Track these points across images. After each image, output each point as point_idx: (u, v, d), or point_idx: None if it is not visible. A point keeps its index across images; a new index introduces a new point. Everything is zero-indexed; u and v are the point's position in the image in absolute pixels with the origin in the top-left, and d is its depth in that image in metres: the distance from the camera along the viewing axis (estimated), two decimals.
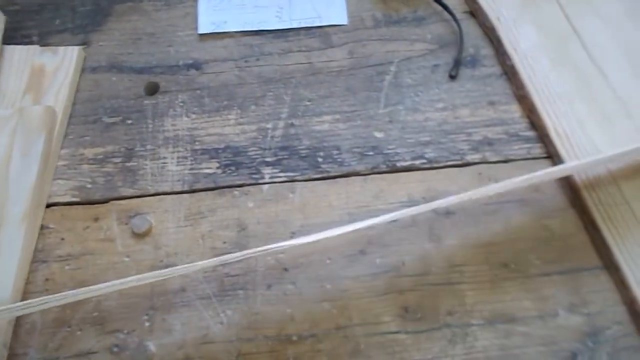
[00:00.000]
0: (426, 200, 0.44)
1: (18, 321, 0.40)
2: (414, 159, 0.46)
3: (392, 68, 0.51)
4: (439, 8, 0.54)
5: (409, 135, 0.47)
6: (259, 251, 0.37)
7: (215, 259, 0.37)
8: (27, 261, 0.42)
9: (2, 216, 0.42)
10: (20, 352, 0.39)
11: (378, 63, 0.51)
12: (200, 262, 0.37)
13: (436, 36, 0.52)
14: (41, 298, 0.36)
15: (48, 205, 0.45)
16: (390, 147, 0.47)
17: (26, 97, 0.48)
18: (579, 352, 0.37)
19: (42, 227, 0.44)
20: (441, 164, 0.45)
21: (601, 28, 0.49)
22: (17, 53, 0.50)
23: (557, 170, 0.41)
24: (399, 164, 0.46)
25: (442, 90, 0.49)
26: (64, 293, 0.36)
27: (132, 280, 0.36)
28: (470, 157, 0.46)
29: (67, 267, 0.42)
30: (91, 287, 0.36)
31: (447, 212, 0.43)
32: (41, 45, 0.52)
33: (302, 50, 0.52)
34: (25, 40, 0.53)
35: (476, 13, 0.53)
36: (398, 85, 0.50)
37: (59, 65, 0.50)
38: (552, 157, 0.45)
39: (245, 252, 0.37)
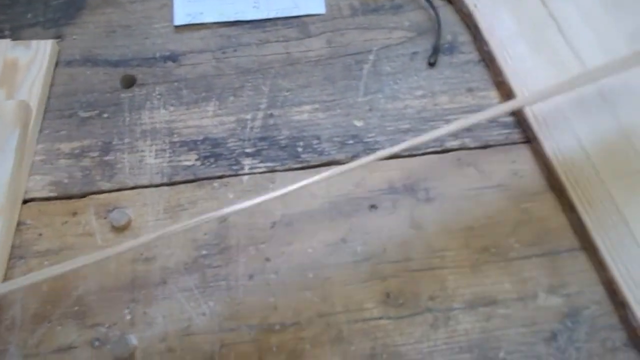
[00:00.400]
0: (406, 187, 0.44)
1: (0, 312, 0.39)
2: (393, 146, 0.46)
3: (371, 57, 0.51)
4: None
5: (389, 123, 0.47)
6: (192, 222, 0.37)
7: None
8: (5, 258, 0.41)
9: None
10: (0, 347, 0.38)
11: (356, 52, 0.51)
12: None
13: (414, 24, 0.52)
14: (25, 276, 0.36)
15: (25, 201, 0.44)
16: (370, 135, 0.47)
17: None
18: (558, 332, 0.38)
19: (19, 224, 0.43)
20: (421, 151, 0.46)
21: (576, 13, 0.49)
22: None
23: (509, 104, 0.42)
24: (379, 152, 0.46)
25: (421, 77, 0.49)
26: (47, 269, 0.36)
27: (107, 252, 0.36)
28: (450, 144, 0.46)
29: (46, 263, 0.42)
30: (75, 260, 0.36)
31: (428, 199, 0.43)
32: (13, 40, 0.51)
33: (280, 41, 0.52)
34: None
35: (453, 0, 0.53)
36: (377, 73, 0.50)
37: (33, 59, 0.49)
38: (531, 141, 0.45)
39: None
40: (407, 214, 0.43)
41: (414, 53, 0.51)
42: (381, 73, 0.50)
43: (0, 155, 0.43)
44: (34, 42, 0.50)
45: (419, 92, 0.49)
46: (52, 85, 0.50)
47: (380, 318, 0.39)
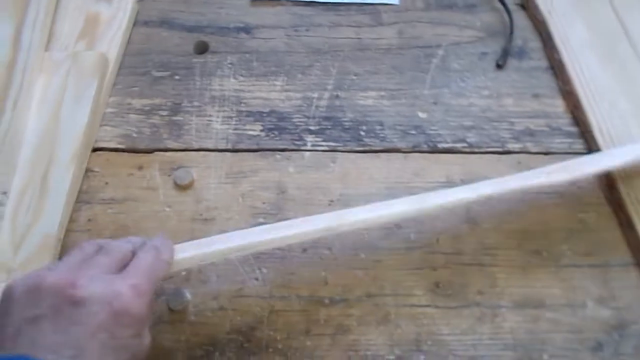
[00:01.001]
0: (464, 182, 0.44)
1: (62, 257, 0.41)
2: (455, 141, 0.46)
3: (440, 51, 0.51)
4: None
5: (452, 118, 0.48)
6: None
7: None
8: (72, 201, 0.43)
9: (52, 155, 0.43)
10: None
11: (426, 45, 0.52)
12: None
13: (486, 24, 0.53)
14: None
15: (94, 150, 0.46)
16: (432, 127, 0.47)
17: (80, 42, 0.49)
18: (605, 343, 0.38)
19: (87, 170, 0.45)
20: (482, 149, 0.46)
21: None
22: None
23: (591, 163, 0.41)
24: (440, 145, 0.46)
25: (488, 78, 0.50)
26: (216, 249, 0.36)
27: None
28: (511, 146, 0.46)
29: (109, 211, 0.43)
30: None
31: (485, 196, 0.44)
32: None
33: (352, 26, 0.53)
34: None
35: (527, 5, 0.53)
36: (445, 69, 0.50)
37: (114, 15, 0.51)
38: (593, 153, 0.45)
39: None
40: (462, 209, 0.43)
41: (483, 53, 0.51)
42: (449, 69, 0.50)
43: (78, 104, 0.45)
44: (115, 0, 0.51)
45: (485, 92, 0.49)
46: (128, 42, 0.51)
47: (428, 306, 0.40)
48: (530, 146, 0.46)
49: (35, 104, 0.45)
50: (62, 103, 0.45)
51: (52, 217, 0.40)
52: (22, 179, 0.42)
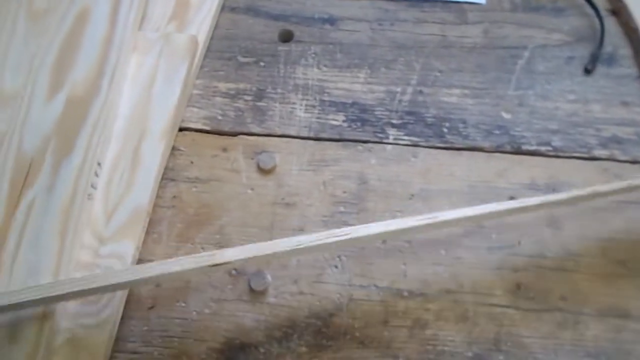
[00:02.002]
0: (548, 186, 0.44)
1: (148, 230, 0.42)
2: (539, 144, 0.46)
3: (526, 53, 0.50)
4: (580, 1, 0.53)
5: (537, 120, 0.47)
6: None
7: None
8: (159, 177, 0.44)
9: (144, 130, 0.44)
10: (146, 258, 0.41)
11: (512, 46, 0.51)
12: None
13: (574, 29, 0.52)
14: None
15: (180, 129, 0.47)
16: (517, 129, 0.47)
17: (170, 24, 0.50)
18: None
19: (174, 149, 0.46)
20: (567, 154, 0.45)
21: None
22: None
23: None
24: (524, 147, 0.46)
25: (574, 82, 0.49)
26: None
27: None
28: (598, 152, 0.45)
29: (194, 189, 0.44)
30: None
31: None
32: None
33: (437, 22, 0.53)
34: None
35: (619, 12, 0.52)
36: (530, 70, 0.50)
37: (204, 0, 0.52)
38: None
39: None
40: (545, 213, 0.43)
41: (570, 57, 0.50)
42: (534, 71, 0.50)
43: (169, 83, 0.46)
44: None
45: (571, 97, 0.48)
46: (215, 27, 0.52)
47: (508, 307, 0.39)
48: (618, 154, 0.45)
49: (129, 81, 0.46)
50: (154, 82, 0.46)
51: (142, 190, 0.42)
52: (115, 151, 0.43)
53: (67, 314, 0.37)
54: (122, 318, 0.39)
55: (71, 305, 0.37)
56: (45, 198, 0.40)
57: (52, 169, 0.41)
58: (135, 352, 0.38)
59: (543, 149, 0.46)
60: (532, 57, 0.50)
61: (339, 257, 0.41)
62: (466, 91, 0.49)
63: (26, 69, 0.45)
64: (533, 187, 0.44)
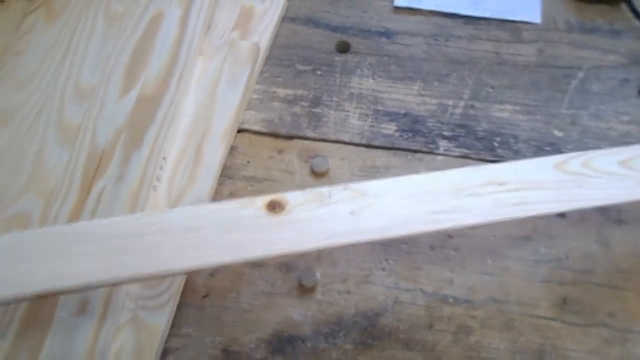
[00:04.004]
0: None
1: None
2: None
3: (580, 73, 0.51)
4: (637, 24, 0.53)
5: (589, 140, 0.47)
6: None
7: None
8: (217, 174, 0.46)
9: (207, 129, 0.46)
10: None
11: (566, 66, 0.52)
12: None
13: (630, 51, 0.52)
14: None
15: (239, 131, 0.49)
16: (568, 147, 0.47)
17: (234, 32, 0.53)
18: None
19: (232, 148, 0.48)
20: None
21: None
22: None
23: None
24: None
25: (629, 104, 0.49)
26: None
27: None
28: None
29: (249, 188, 0.46)
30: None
31: (619, 220, 0.43)
32: None
33: (491, 40, 0.54)
34: None
35: None
36: (584, 91, 0.50)
37: (266, 10, 0.54)
38: None
39: None
40: (595, 230, 0.43)
41: (625, 80, 0.51)
42: (588, 91, 0.50)
43: (232, 87, 0.48)
44: None
45: (625, 118, 0.48)
46: (276, 36, 0.55)
47: (554, 319, 0.40)
48: None
49: (194, 83, 0.49)
50: (218, 84, 0.48)
51: (203, 185, 0.44)
52: (180, 147, 0.45)
53: (130, 295, 0.39)
54: (178, 304, 0.41)
55: (134, 288, 0.39)
56: (114, 187, 0.43)
57: (122, 161, 0.44)
58: (188, 337, 0.40)
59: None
60: (586, 78, 0.51)
61: (386, 260, 0.43)
62: (518, 107, 0.49)
63: (102, 67, 0.48)
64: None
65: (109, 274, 0.33)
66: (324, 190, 0.36)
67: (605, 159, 0.39)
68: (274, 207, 0.35)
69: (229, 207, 0.36)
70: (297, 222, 0.35)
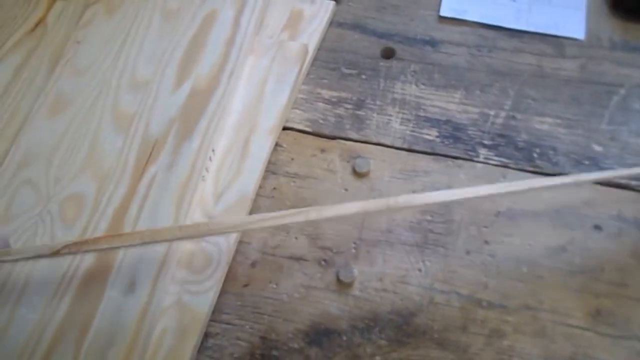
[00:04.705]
0: (637, 220, 0.45)
1: (252, 211, 0.46)
2: (630, 178, 0.47)
3: (622, 91, 0.52)
4: None
5: (629, 156, 0.48)
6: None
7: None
8: (262, 169, 0.48)
9: (254, 125, 0.48)
10: (245, 240, 0.45)
11: (608, 83, 0.52)
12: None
13: None
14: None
15: (284, 128, 0.51)
16: (607, 161, 0.48)
17: (284, 33, 0.55)
18: None
19: (277, 145, 0.50)
20: None
21: None
22: None
23: None
24: (614, 180, 0.47)
25: None
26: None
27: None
28: None
29: (292, 184, 0.48)
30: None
31: None
32: None
33: (534, 54, 0.55)
34: None
35: None
36: (625, 108, 0.51)
37: (315, 13, 0.56)
38: None
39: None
40: (631, 244, 0.44)
41: None
42: (629, 108, 0.51)
43: (279, 85, 0.50)
44: (318, 0, 0.57)
45: None
46: (323, 39, 0.56)
47: (587, 329, 0.40)
48: None
49: (244, 80, 0.50)
50: (266, 82, 0.50)
51: (248, 179, 0.46)
52: (228, 141, 0.47)
53: (175, 280, 0.41)
54: (220, 292, 0.42)
55: (179, 272, 0.41)
56: (165, 174, 0.44)
57: (174, 150, 0.46)
58: (229, 324, 0.42)
59: (633, 183, 0.46)
60: (628, 95, 0.51)
61: (423, 261, 0.44)
62: (559, 121, 0.50)
63: (158, 61, 0.50)
64: (620, 220, 0.45)
65: None
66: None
67: None
68: None
69: None
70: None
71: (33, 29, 0.54)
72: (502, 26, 0.56)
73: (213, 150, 0.46)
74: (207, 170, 0.45)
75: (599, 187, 0.46)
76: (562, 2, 0.57)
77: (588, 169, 0.47)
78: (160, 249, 0.41)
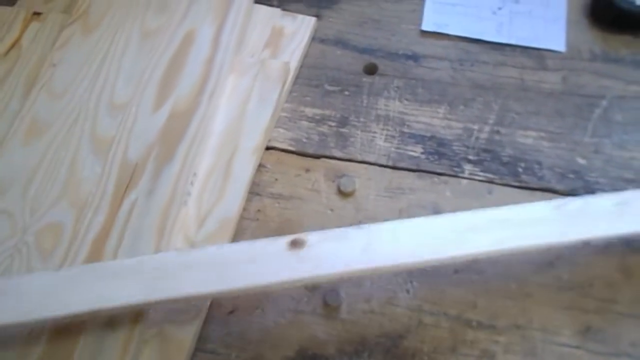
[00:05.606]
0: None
1: (233, 240, 0.45)
2: (614, 192, 0.46)
3: (604, 102, 0.52)
4: None
5: (613, 169, 0.48)
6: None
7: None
8: (246, 190, 0.47)
9: (236, 146, 0.47)
10: None
11: (590, 95, 0.52)
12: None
13: None
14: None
15: (267, 148, 0.50)
16: (592, 174, 0.48)
17: (265, 51, 0.54)
18: None
19: (260, 165, 0.49)
20: None
21: None
22: (262, 12, 0.56)
23: None
24: (598, 193, 0.47)
25: None
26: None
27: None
28: None
29: (277, 205, 0.47)
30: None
31: None
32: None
33: (516, 67, 0.54)
34: (267, 3, 0.59)
35: None
36: (607, 119, 0.51)
37: (297, 30, 0.56)
38: None
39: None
40: (617, 258, 0.44)
41: None
42: (611, 120, 0.51)
43: (263, 104, 0.49)
44: (299, 16, 0.56)
45: None
46: (305, 56, 0.56)
47: (577, 347, 0.40)
48: None
49: (225, 100, 0.50)
50: (248, 102, 0.49)
51: (231, 202, 0.45)
52: (210, 163, 0.46)
53: (158, 309, 0.40)
54: (205, 319, 0.42)
55: None
56: (145, 200, 0.43)
57: (154, 174, 0.45)
58: (214, 353, 0.41)
59: None
60: (609, 107, 0.52)
61: (410, 282, 0.43)
62: (542, 134, 0.50)
63: (136, 82, 0.49)
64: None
65: (147, 296, 0.35)
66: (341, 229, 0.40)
67: (602, 200, 0.41)
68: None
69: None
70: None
71: (7, 52, 0.52)
72: (484, 39, 0.56)
73: (195, 174, 0.45)
74: (188, 194, 0.44)
75: None
76: (542, 15, 0.57)
77: (573, 183, 0.47)
78: None
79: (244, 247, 0.38)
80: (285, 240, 0.38)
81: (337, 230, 0.39)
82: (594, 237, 0.39)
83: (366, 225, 0.39)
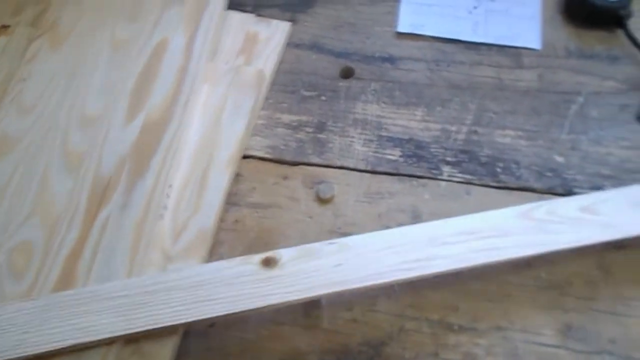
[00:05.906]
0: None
1: (210, 251, 0.44)
2: (592, 188, 0.47)
3: (580, 99, 0.52)
4: (634, 50, 0.54)
5: (590, 165, 0.48)
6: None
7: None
8: (223, 201, 0.46)
9: (212, 156, 0.47)
10: None
11: (566, 91, 0.52)
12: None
13: (629, 78, 0.53)
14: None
15: (244, 157, 0.49)
16: (569, 172, 0.48)
17: (239, 57, 0.53)
18: None
19: (237, 174, 0.48)
20: None
21: None
22: (236, 18, 0.56)
23: None
24: (576, 190, 0.47)
25: (628, 130, 0.50)
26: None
27: None
28: None
29: (255, 214, 0.47)
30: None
31: (620, 245, 0.44)
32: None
33: (492, 66, 0.54)
34: (240, 8, 0.58)
35: None
36: (583, 116, 0.51)
37: (271, 36, 0.55)
38: None
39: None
40: (595, 255, 0.44)
41: (624, 105, 0.51)
42: (587, 116, 0.51)
43: (238, 113, 0.49)
44: (274, 22, 0.56)
45: (625, 143, 0.49)
46: (280, 62, 0.55)
47: (558, 347, 0.40)
48: None
49: (200, 109, 0.49)
50: (223, 110, 0.49)
51: (208, 213, 0.44)
52: (185, 174, 0.46)
53: None
54: (184, 333, 0.41)
55: None
56: (119, 215, 0.43)
57: (127, 188, 0.44)
58: None
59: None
60: (585, 103, 0.52)
61: (391, 287, 0.43)
62: (520, 133, 0.50)
63: (108, 94, 0.48)
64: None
65: (124, 328, 0.36)
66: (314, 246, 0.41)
67: (567, 205, 0.43)
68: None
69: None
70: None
71: None
72: (460, 39, 0.56)
73: (170, 186, 0.45)
74: (165, 207, 0.44)
75: (561, 198, 0.46)
76: (517, 13, 0.57)
77: (551, 181, 0.47)
78: None
79: (217, 268, 0.38)
80: (258, 258, 0.38)
81: (310, 247, 0.40)
82: (555, 250, 0.41)
83: (339, 240, 0.40)
